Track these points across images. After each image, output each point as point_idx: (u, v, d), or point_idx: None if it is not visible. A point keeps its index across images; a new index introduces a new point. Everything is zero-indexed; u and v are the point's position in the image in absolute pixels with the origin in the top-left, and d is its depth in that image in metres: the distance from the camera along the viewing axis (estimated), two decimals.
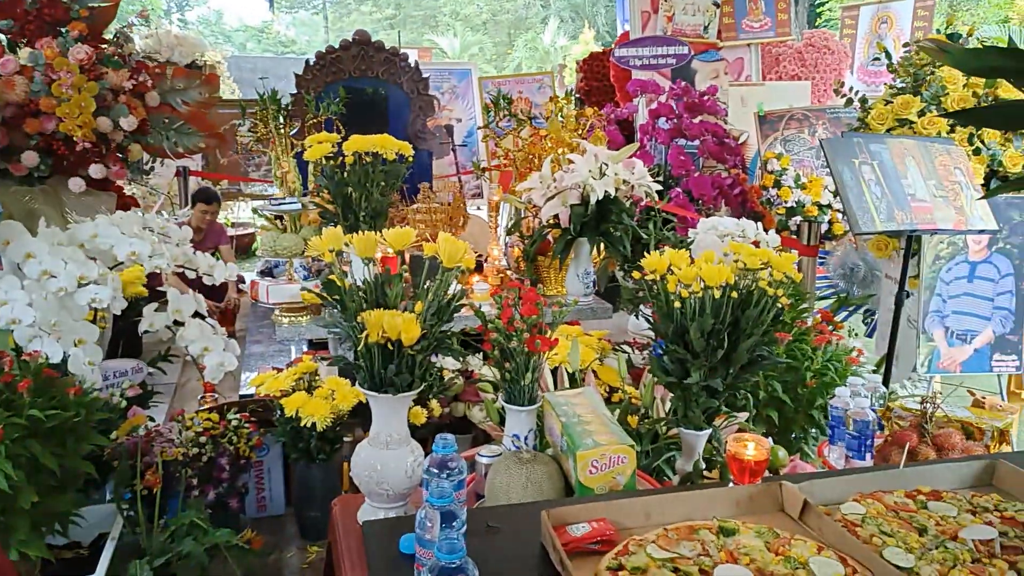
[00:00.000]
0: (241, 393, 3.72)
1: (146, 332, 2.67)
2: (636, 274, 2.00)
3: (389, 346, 1.76)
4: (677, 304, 1.90)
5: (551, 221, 3.37)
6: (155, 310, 2.65)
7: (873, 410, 2.09)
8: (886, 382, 2.72)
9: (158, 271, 2.62)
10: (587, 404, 1.94)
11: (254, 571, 2.45)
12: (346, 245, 1.87)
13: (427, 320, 1.78)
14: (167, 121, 3.28)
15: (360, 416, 2.87)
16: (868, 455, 2.06)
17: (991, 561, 1.16)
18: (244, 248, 7.96)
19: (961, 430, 2.05)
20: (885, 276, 3.33)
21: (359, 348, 1.76)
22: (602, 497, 1.49)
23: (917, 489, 1.38)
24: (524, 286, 2.00)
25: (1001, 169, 3.01)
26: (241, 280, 5.72)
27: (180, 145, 3.36)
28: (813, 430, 2.76)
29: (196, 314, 2.85)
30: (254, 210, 3.32)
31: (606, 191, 3.15)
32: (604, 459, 1.70)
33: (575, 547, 1.22)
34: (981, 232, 2.67)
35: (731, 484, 1.58)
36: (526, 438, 2.00)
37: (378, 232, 1.91)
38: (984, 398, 2.60)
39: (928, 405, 2.08)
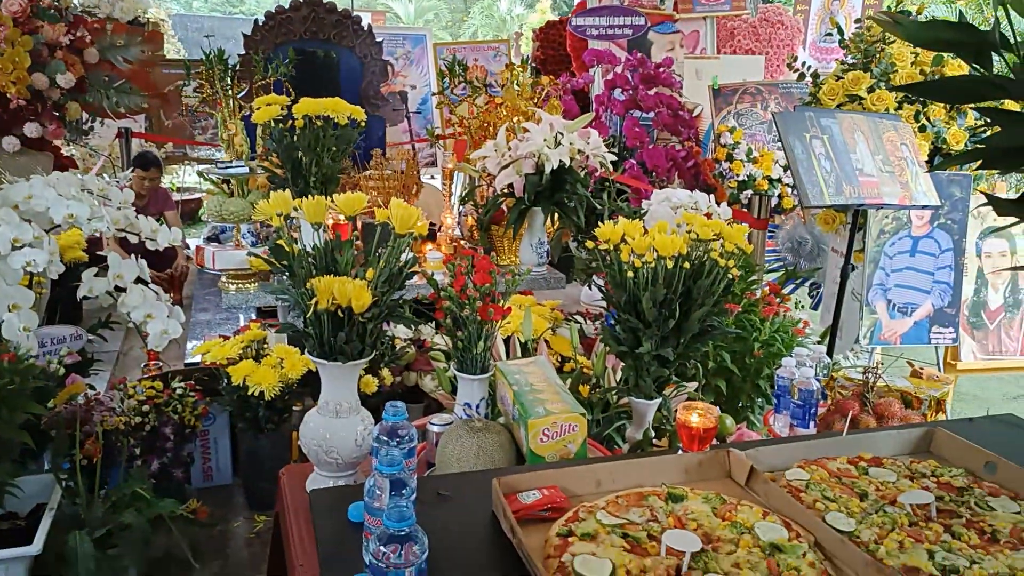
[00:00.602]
0: (186, 362, 3.63)
1: (86, 298, 2.58)
2: (590, 243, 2.00)
3: (339, 313, 1.72)
4: (630, 274, 1.91)
5: (505, 190, 3.34)
6: (95, 275, 2.55)
7: (817, 380, 2.14)
8: (830, 353, 2.79)
9: (98, 235, 2.52)
10: (539, 373, 1.94)
11: (200, 542, 2.41)
12: (295, 210, 1.82)
13: (378, 287, 1.75)
14: (107, 79, 3.14)
15: (309, 385, 2.83)
16: (812, 423, 2.11)
17: (927, 524, 1.20)
18: (190, 214, 7.73)
19: (900, 399, 2.12)
20: (832, 250, 3.40)
21: (308, 315, 1.72)
22: (552, 465, 1.50)
23: (859, 456, 1.41)
24: (477, 254, 1.98)
25: (945, 146, 3.08)
26: (187, 247, 5.56)
27: (121, 105, 3.23)
28: (759, 400, 2.82)
29: (139, 280, 2.76)
30: (200, 174, 3.21)
31: (561, 160, 3.14)
32: (555, 427, 1.71)
33: (525, 514, 1.22)
34: (924, 207, 2.74)
35: (680, 452, 1.60)
36: (478, 407, 1.99)
37: (328, 197, 1.86)
38: (922, 369, 2.68)
39: (870, 375, 2.14)
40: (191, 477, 2.80)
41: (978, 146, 1.11)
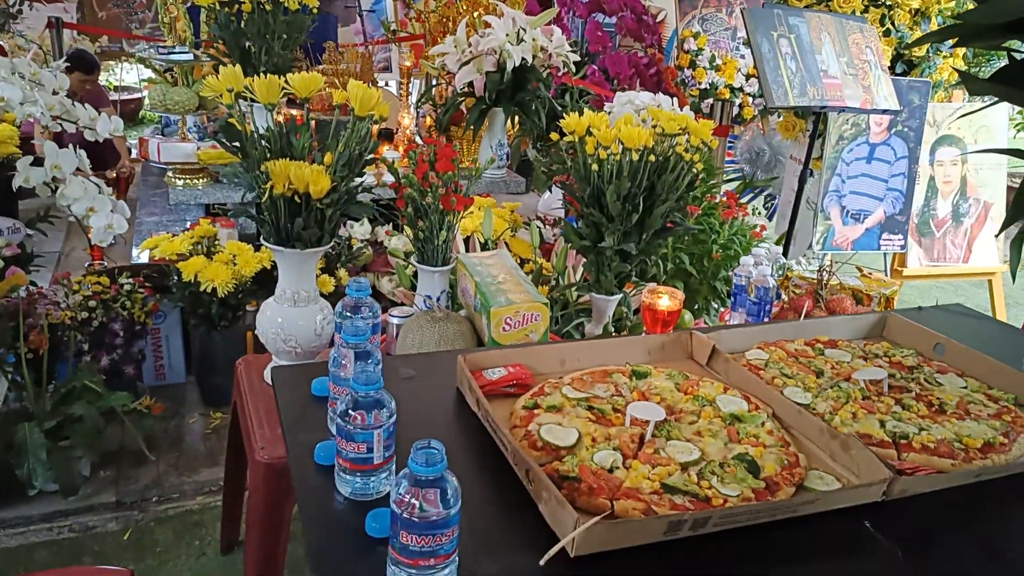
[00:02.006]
0: (133, 262, 3.51)
1: (22, 192, 2.44)
2: (554, 135, 1.95)
3: (296, 199, 1.66)
4: (595, 167, 1.87)
5: (465, 89, 3.24)
6: (31, 163, 2.41)
7: (773, 278, 2.17)
8: (785, 256, 2.84)
9: (31, 120, 2.37)
10: (501, 265, 1.92)
11: (155, 436, 2.39)
12: (246, 99, 1.72)
13: (337, 172, 1.69)
14: None
15: (263, 284, 2.77)
16: (767, 320, 2.15)
17: (879, 398, 1.24)
18: (130, 115, 7.34)
19: (851, 296, 2.17)
20: (790, 158, 3.41)
21: (263, 200, 1.66)
22: (517, 345, 1.50)
23: (816, 338, 1.45)
24: (440, 142, 1.92)
25: (907, 53, 3.08)
26: (130, 149, 5.31)
27: None
28: (715, 303, 2.87)
29: (78, 172, 2.63)
30: (140, 59, 3.01)
31: (523, 58, 3.04)
32: (518, 316, 1.70)
33: (490, 390, 1.22)
34: (885, 112, 2.75)
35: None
36: (438, 299, 1.98)
37: (281, 77, 1.76)
38: (871, 273, 2.75)
39: (824, 273, 2.18)
40: (143, 375, 2.75)
41: (956, 22, 1.09)
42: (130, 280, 2.54)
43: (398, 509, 0.79)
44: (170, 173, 2.83)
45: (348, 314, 1.19)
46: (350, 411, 0.93)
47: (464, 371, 1.20)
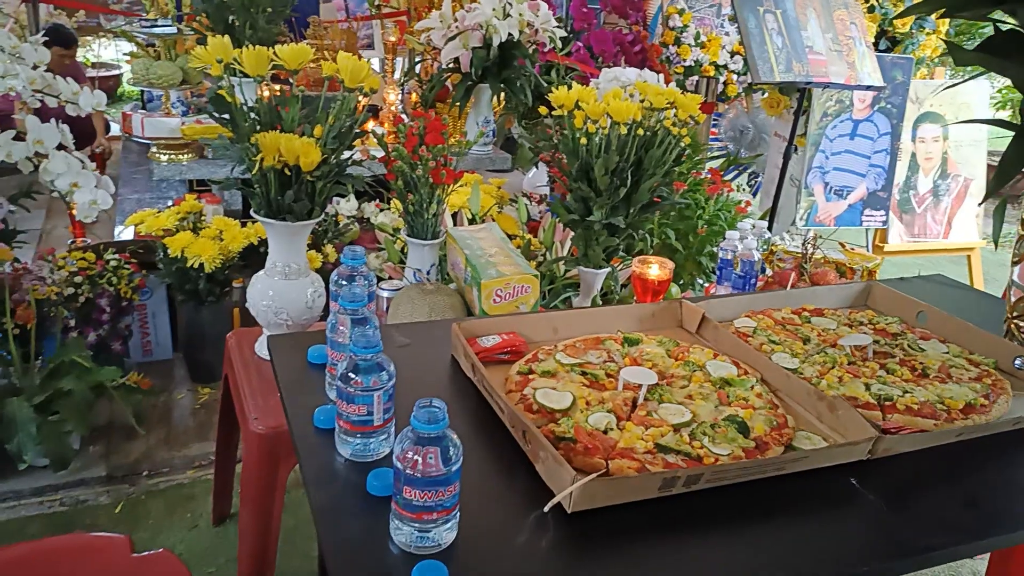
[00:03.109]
0: (117, 240, 3.48)
1: (2, 164, 2.41)
2: (543, 109, 1.96)
3: (286, 171, 1.66)
4: (583, 141, 1.88)
5: (451, 65, 3.23)
6: (12, 138, 2.38)
7: (758, 252, 2.20)
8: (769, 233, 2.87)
9: (11, 93, 2.33)
10: (491, 238, 1.93)
11: (144, 411, 2.39)
12: (234, 72, 1.71)
13: (328, 144, 1.69)
14: None
15: (250, 260, 2.76)
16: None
17: (864, 363, 1.27)
18: (108, 92, 7.22)
19: (835, 270, 2.21)
20: (774, 135, 3.44)
21: (253, 172, 1.65)
22: (510, 314, 1.51)
23: (802, 307, 1.48)
24: (429, 116, 1.92)
25: (891, 29, 3.11)
26: (107, 127, 5.23)
27: None
28: (700, 279, 2.90)
29: (61, 147, 2.60)
30: (123, 33, 2.97)
31: (510, 33, 3.03)
32: (508, 288, 1.72)
33: (485, 357, 1.23)
34: (869, 88, 2.78)
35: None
36: (428, 273, 1.99)
37: (270, 48, 1.75)
38: (853, 248, 2.79)
39: (809, 246, 2.21)
40: (130, 351, 2.74)
41: None
42: (116, 256, 2.52)
43: (401, 465, 0.81)
44: (154, 149, 2.80)
45: (344, 281, 1.20)
46: (351, 374, 0.94)
47: (459, 338, 1.22)
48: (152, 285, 2.74)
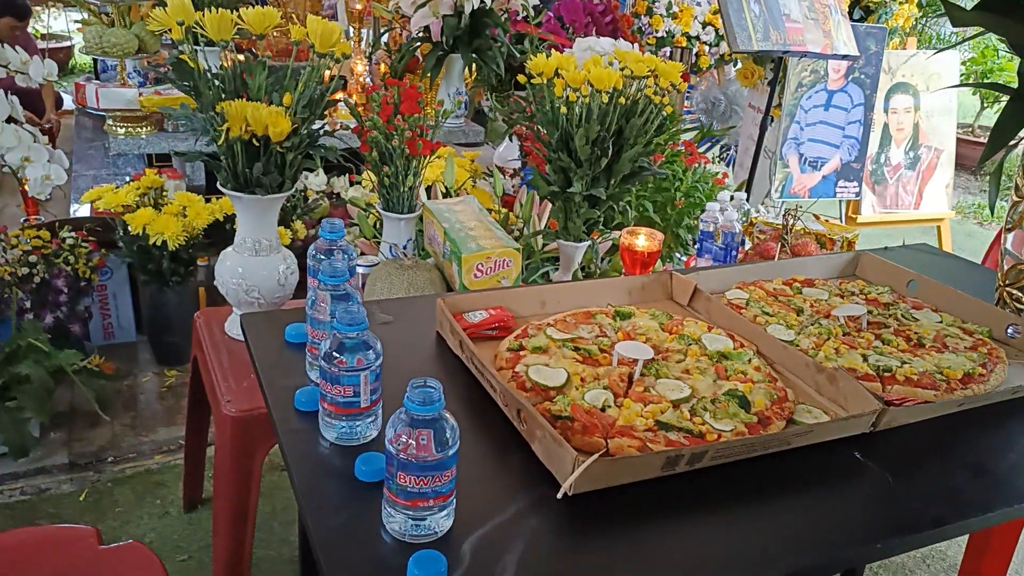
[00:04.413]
0: (73, 217, 3.34)
1: None
2: (522, 77, 1.89)
3: (255, 142, 1.58)
4: (563, 110, 1.83)
5: (421, 33, 3.13)
6: None
7: (739, 224, 2.17)
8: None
9: None
10: (469, 211, 1.87)
11: (107, 396, 2.29)
12: (196, 25, 1.61)
13: (297, 113, 1.61)
14: None
15: (216, 238, 2.66)
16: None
17: (859, 334, 1.25)
18: (60, 65, 6.94)
19: (815, 241, 2.19)
20: (748, 106, 3.41)
21: (220, 144, 1.57)
22: (496, 288, 1.46)
23: (792, 278, 1.45)
24: (404, 83, 1.84)
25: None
26: (60, 101, 5.01)
27: None
28: (678, 253, 2.87)
29: (11, 120, 2.47)
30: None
31: (482, 0, 2.95)
32: (489, 262, 1.67)
33: (473, 333, 1.18)
34: (844, 57, 2.76)
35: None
36: (404, 247, 1.92)
37: (234, 12, 1.65)
38: (828, 220, 2.78)
39: (789, 218, 2.19)
40: (90, 334, 2.63)
41: None
42: (72, 234, 2.40)
43: (394, 450, 0.76)
44: (110, 121, 2.67)
45: (323, 256, 1.13)
46: (335, 353, 0.89)
47: (445, 314, 1.17)
48: (112, 265, 2.62)
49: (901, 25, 3.28)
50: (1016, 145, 1.28)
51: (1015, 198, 1.27)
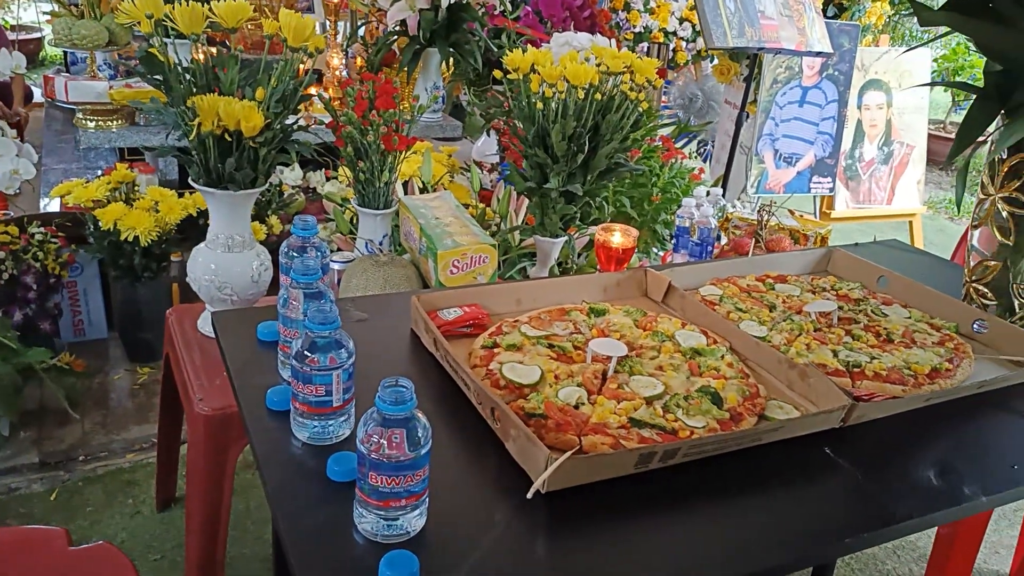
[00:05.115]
0: (43, 212, 3.28)
1: None
2: (498, 73, 1.89)
3: (227, 137, 1.56)
4: (539, 105, 1.82)
5: (397, 27, 3.11)
6: None
7: (715, 220, 2.19)
8: None
9: None
10: (445, 207, 1.86)
11: (78, 394, 2.26)
12: (166, 18, 1.59)
13: (270, 108, 1.59)
14: None
15: (188, 233, 2.63)
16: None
17: (830, 329, 1.26)
18: (29, 57, 6.80)
19: (789, 236, 2.21)
20: (725, 102, 3.43)
21: (191, 138, 1.55)
22: (472, 285, 1.46)
23: (766, 274, 1.46)
24: (380, 78, 1.83)
25: None
26: (29, 94, 4.92)
27: None
28: (655, 248, 2.89)
29: None
30: None
31: None
32: (465, 259, 1.66)
33: (447, 331, 1.18)
34: (819, 55, 2.78)
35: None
36: (380, 243, 1.91)
37: (205, 5, 1.63)
38: (803, 215, 2.81)
39: (764, 213, 2.21)
40: (60, 331, 2.59)
41: None
42: (42, 230, 2.36)
43: (366, 449, 0.75)
44: (80, 115, 2.62)
45: (295, 253, 1.12)
46: (307, 352, 0.88)
47: (420, 311, 1.16)
48: (82, 260, 2.58)
49: (874, 22, 3.31)
50: (983, 142, 1.30)
51: (981, 195, 1.29)
